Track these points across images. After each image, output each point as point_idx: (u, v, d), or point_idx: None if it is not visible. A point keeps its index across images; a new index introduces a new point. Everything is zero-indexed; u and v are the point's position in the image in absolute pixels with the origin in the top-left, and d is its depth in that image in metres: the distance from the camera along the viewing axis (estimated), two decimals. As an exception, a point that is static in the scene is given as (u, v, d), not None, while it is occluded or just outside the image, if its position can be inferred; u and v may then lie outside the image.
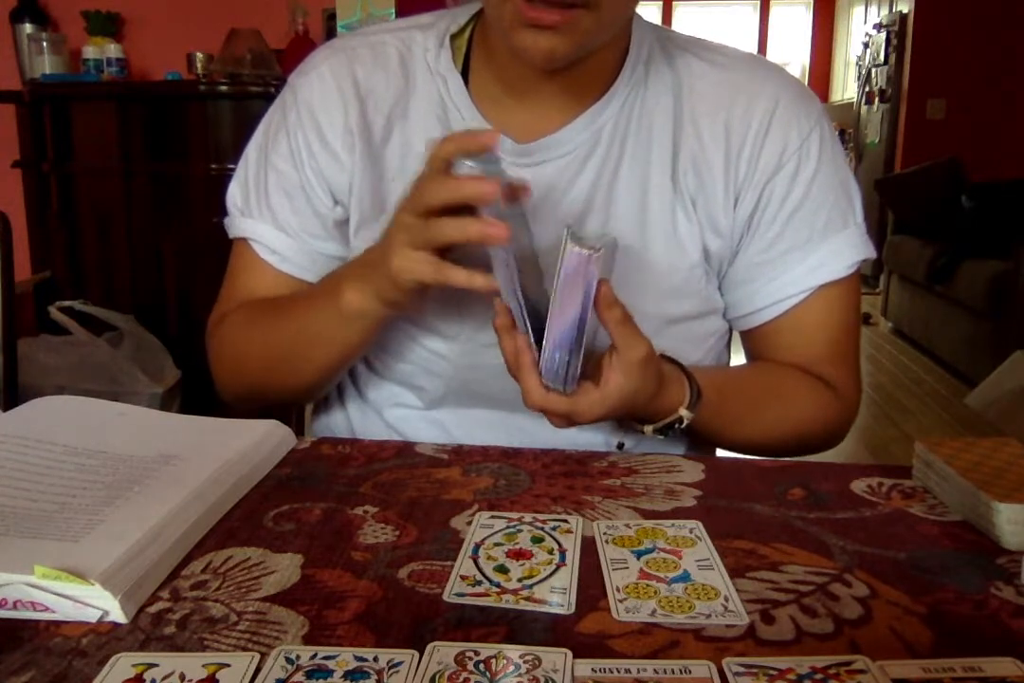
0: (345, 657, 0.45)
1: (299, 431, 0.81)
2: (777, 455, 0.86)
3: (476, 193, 0.61)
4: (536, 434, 0.80)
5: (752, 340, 0.88)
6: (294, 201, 0.84)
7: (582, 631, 0.48)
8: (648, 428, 0.75)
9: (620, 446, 0.83)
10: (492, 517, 0.62)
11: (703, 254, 0.81)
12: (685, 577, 0.54)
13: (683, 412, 0.73)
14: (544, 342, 0.63)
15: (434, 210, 0.63)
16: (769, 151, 0.79)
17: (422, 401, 0.87)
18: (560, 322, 0.62)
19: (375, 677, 0.44)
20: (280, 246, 0.85)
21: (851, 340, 0.87)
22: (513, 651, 0.46)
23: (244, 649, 0.46)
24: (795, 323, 0.83)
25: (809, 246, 0.81)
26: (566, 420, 0.68)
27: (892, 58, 5.84)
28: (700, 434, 0.81)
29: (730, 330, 0.90)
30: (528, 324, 0.64)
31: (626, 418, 0.77)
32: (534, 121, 0.80)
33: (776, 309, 0.83)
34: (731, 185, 0.80)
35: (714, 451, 0.96)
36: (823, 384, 0.84)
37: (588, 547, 0.58)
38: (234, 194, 0.88)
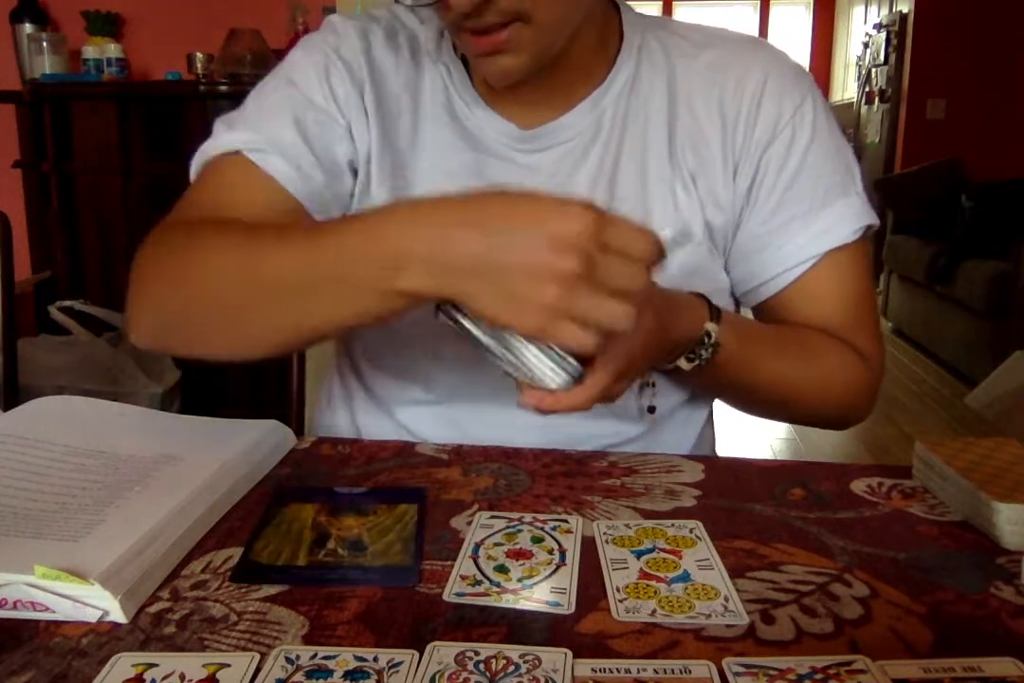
0: (345, 657, 0.45)
1: (299, 431, 0.80)
2: (806, 417, 0.84)
3: None
4: (561, 427, 0.79)
5: (764, 316, 0.86)
6: (326, 129, 0.79)
7: (582, 631, 0.48)
8: (682, 360, 0.73)
9: (651, 409, 0.83)
10: (492, 517, 0.62)
11: (706, 230, 0.82)
12: (685, 577, 0.54)
13: (708, 326, 0.72)
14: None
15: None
16: (764, 120, 0.80)
17: (434, 393, 0.85)
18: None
19: (375, 677, 0.44)
20: (301, 159, 0.77)
21: (867, 306, 0.85)
22: (513, 651, 0.46)
23: (244, 649, 0.46)
24: (806, 292, 0.82)
25: (811, 215, 0.81)
26: (622, 382, 0.62)
27: (892, 58, 5.83)
28: (730, 372, 0.75)
29: (737, 311, 0.88)
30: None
31: (658, 359, 0.72)
32: (537, 108, 0.82)
33: (784, 279, 0.82)
34: (729, 156, 0.81)
35: (713, 447, 0.95)
36: (847, 345, 0.82)
37: (588, 547, 0.58)
38: (233, 116, 0.84)
